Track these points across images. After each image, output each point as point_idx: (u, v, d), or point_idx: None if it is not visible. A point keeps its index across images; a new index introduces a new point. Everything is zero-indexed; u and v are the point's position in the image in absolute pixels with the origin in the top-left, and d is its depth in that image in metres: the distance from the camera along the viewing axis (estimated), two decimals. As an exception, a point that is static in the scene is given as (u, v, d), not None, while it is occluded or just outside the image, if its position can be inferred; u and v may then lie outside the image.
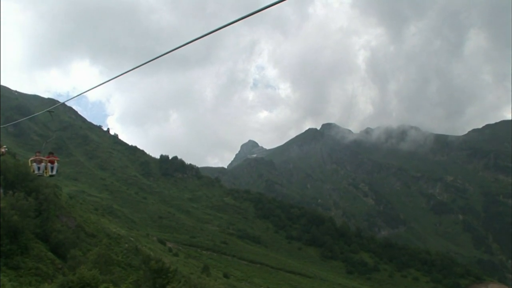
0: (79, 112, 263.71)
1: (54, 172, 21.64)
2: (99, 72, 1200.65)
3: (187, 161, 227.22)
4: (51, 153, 21.99)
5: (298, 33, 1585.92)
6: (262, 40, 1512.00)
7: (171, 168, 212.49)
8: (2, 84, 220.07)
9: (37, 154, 21.54)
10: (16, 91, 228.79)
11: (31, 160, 21.48)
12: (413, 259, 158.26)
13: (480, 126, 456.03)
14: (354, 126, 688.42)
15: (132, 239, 75.66)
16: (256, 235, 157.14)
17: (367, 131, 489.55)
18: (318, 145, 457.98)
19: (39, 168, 21.08)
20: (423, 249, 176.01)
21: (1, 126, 58.30)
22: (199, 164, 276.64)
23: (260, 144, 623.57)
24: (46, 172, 21.22)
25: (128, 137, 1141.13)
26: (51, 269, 43.30)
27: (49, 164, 21.21)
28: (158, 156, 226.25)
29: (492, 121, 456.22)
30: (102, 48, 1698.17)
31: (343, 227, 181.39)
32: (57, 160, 22.01)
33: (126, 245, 66.85)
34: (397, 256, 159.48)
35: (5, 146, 42.46)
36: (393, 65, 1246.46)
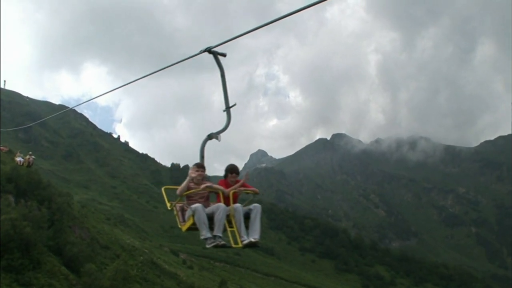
0: (90, 119, 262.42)
1: (257, 236, 7.14)
2: (108, 72, 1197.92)
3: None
4: (232, 171, 8.27)
5: (312, 38, 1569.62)
6: (275, 46, 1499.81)
7: (182, 176, 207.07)
8: (13, 89, 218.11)
9: (199, 171, 8.09)
10: (27, 97, 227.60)
11: (186, 200, 8.01)
12: (430, 273, 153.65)
13: (493, 138, 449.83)
14: (364, 135, 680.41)
15: (146, 251, 72.52)
16: (269, 247, 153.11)
17: (377, 141, 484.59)
18: (328, 155, 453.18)
19: (211, 230, 7.12)
20: (440, 263, 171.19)
21: (11, 129, 55.71)
22: (207, 171, 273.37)
23: (269, 153, 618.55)
24: (238, 238, 7.02)
25: (135, 142, 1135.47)
26: (64, 285, 40.31)
27: (235, 207, 7.40)
28: (167, 163, 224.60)
29: (505, 133, 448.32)
30: (111, 47, 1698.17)
31: (358, 239, 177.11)
32: (255, 192, 7.94)
33: (141, 257, 63.70)
34: (414, 270, 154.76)
35: (30, 153, 39.80)
36: (403, 73, 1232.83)
